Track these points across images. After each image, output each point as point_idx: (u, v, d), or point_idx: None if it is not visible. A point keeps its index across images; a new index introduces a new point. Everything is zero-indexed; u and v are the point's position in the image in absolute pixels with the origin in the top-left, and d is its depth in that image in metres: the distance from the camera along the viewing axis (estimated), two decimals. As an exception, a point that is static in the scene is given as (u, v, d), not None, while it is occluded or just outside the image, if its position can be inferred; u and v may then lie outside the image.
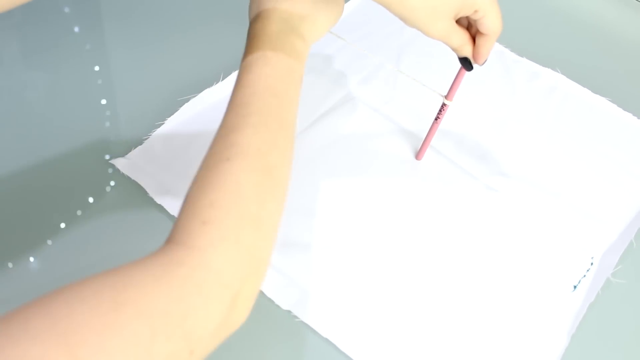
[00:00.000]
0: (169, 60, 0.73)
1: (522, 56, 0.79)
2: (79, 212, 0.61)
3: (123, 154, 0.64)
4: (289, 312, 0.55)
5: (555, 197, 0.66)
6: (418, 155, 0.68)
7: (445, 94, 0.61)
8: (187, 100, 0.68)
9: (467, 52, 0.54)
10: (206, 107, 0.69)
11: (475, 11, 0.50)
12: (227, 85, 0.70)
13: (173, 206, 0.60)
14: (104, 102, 0.69)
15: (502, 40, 0.79)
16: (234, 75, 0.71)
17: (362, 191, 0.64)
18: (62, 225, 0.60)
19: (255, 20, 0.50)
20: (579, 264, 0.62)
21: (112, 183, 0.63)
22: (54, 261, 0.57)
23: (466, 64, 0.55)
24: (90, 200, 0.62)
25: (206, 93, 0.69)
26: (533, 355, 0.55)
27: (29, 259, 0.57)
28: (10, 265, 0.57)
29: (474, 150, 0.69)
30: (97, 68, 0.72)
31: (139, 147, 0.65)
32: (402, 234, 0.62)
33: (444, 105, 0.62)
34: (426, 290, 0.58)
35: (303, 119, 0.69)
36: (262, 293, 0.56)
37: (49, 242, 0.59)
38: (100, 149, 0.65)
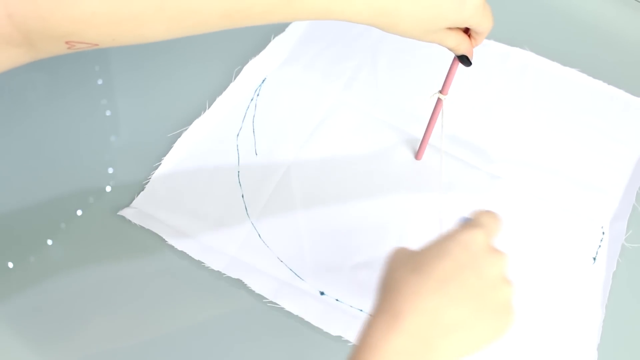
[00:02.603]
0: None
1: (489, 39, 0.80)
2: (79, 212, 0.60)
3: (126, 196, 0.62)
4: (340, 337, 0.55)
5: (554, 174, 0.68)
6: (417, 155, 0.68)
7: (440, 89, 0.61)
8: (179, 135, 0.65)
9: (465, 50, 0.54)
10: (199, 138, 0.66)
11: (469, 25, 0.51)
12: (215, 112, 0.68)
13: (195, 250, 0.58)
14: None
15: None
16: (219, 102, 0.69)
17: (376, 199, 0.64)
18: (62, 225, 0.60)
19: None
20: (592, 236, 0.64)
21: (112, 183, 0.63)
22: (54, 261, 0.57)
23: (464, 60, 0.55)
24: (91, 200, 0.61)
25: (197, 124, 0.67)
26: (573, 334, 0.57)
27: (29, 259, 0.57)
28: (10, 265, 0.57)
29: (469, 141, 0.70)
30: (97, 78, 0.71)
31: (142, 193, 0.61)
32: (420, 234, 0.62)
33: (439, 100, 0.62)
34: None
35: (298, 135, 0.68)
36: (309, 324, 0.55)
37: (49, 242, 0.59)
38: (100, 151, 0.65)
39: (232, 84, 0.70)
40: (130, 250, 0.59)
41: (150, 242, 0.59)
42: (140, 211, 0.60)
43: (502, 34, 0.80)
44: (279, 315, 0.55)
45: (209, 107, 0.68)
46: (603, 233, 0.64)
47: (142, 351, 0.53)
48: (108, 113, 0.68)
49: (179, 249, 0.58)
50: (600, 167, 0.69)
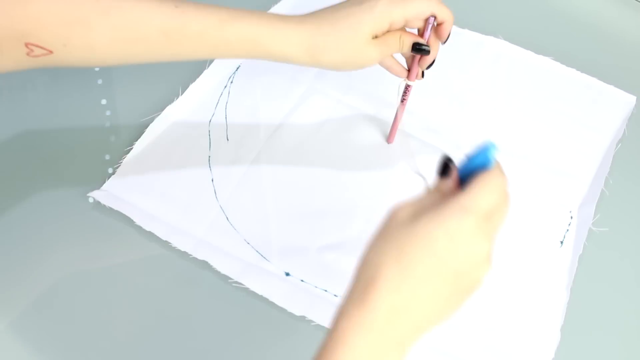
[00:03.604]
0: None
1: (463, 28, 0.81)
2: (79, 212, 0.61)
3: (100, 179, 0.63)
4: (304, 317, 0.55)
5: (524, 159, 0.69)
6: (389, 138, 0.68)
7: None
8: (151, 120, 0.66)
9: (405, 48, 0.57)
10: (171, 124, 0.67)
11: (405, 20, 0.55)
12: (187, 99, 0.69)
13: (163, 231, 0.59)
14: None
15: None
16: (192, 88, 0.69)
17: (345, 183, 0.65)
18: (63, 224, 0.60)
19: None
20: (560, 220, 0.64)
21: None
22: (54, 260, 0.58)
23: (420, 51, 0.57)
24: (91, 200, 0.61)
25: (169, 110, 0.67)
26: (537, 315, 0.58)
27: (29, 258, 0.58)
28: (10, 265, 0.57)
29: (440, 126, 0.70)
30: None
31: (113, 176, 0.62)
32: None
33: (407, 86, 0.63)
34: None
35: (270, 121, 0.69)
36: (273, 304, 0.56)
37: (49, 241, 0.59)
38: (99, 149, 0.66)
39: (205, 71, 0.71)
40: (132, 250, 0.59)
41: (150, 240, 0.59)
42: (110, 194, 0.61)
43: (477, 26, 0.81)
44: (244, 295, 0.56)
45: (182, 94, 0.69)
46: (571, 217, 0.65)
47: (135, 343, 0.54)
48: (108, 113, 0.69)
49: (147, 229, 0.59)
50: (571, 153, 0.70)
